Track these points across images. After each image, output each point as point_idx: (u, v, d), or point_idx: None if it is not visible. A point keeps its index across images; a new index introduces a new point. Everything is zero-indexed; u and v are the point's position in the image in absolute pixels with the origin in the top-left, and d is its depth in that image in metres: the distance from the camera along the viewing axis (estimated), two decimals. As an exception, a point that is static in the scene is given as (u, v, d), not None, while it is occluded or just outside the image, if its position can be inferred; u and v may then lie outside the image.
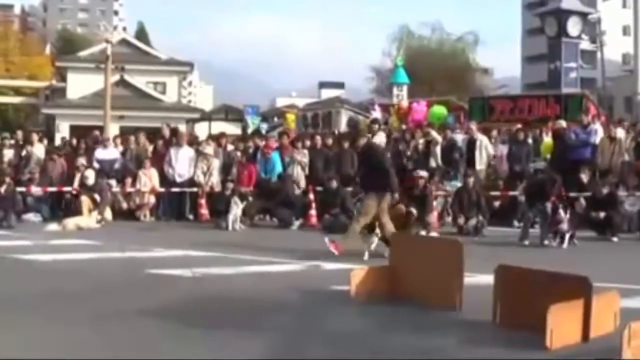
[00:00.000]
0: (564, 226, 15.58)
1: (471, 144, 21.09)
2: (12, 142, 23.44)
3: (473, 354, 7.46)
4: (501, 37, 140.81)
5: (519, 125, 22.75)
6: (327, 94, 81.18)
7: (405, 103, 30.33)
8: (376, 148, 15.50)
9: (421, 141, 21.71)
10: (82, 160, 22.00)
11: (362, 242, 13.94)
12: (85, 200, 19.73)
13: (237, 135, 33.44)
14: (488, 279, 8.97)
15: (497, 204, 20.01)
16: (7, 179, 20.54)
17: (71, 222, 18.98)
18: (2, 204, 19.81)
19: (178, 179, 21.50)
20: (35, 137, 24.11)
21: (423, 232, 16.95)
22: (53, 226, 18.95)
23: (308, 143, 22.21)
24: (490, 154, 20.91)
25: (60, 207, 21.24)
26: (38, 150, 23.08)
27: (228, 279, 11.80)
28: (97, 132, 25.78)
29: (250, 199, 19.54)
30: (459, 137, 22.10)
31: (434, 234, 17.09)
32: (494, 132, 23.27)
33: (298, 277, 11.79)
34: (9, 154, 22.75)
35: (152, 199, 21.41)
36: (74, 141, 24.78)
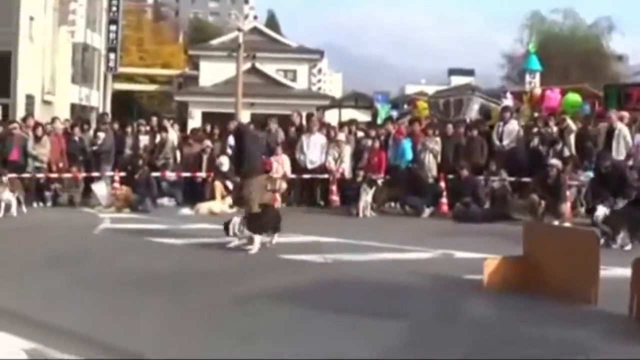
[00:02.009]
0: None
1: (609, 133, 20.43)
2: (147, 128, 23.96)
3: (609, 348, 7.33)
4: (636, 23, 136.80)
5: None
6: (457, 80, 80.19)
7: (538, 90, 29.74)
8: (245, 131, 15.72)
9: (555, 129, 21.28)
10: (207, 142, 22.48)
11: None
12: (218, 185, 20.14)
13: (367, 122, 33.47)
14: (624, 272, 8.80)
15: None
16: (143, 165, 21.14)
17: (204, 207, 19.41)
18: (138, 189, 20.40)
19: (309, 166, 21.63)
20: (168, 123, 24.68)
21: (556, 222, 16.67)
22: (186, 210, 19.42)
23: (438, 131, 22.05)
24: (629, 143, 20.18)
25: (194, 192, 21.61)
26: (172, 136, 23.59)
27: (359, 266, 11.88)
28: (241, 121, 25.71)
29: (380, 185, 19.55)
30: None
31: (567, 224, 16.78)
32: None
33: (429, 265, 11.78)
34: (144, 140, 23.29)
35: (283, 185, 21.63)
36: (208, 127, 25.14)
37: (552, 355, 7.05)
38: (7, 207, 18.35)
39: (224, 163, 20.66)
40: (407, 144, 21.01)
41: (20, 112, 35.28)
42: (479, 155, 20.74)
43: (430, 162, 20.77)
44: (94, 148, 22.33)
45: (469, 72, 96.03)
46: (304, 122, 23.65)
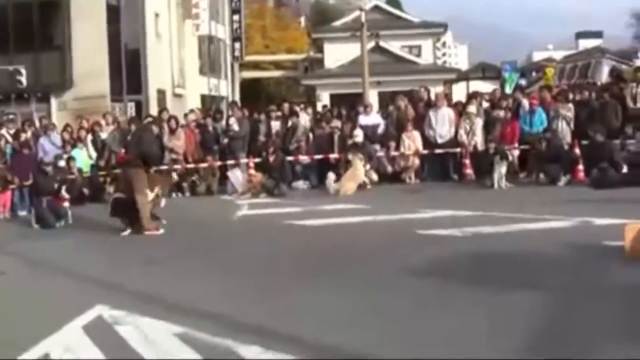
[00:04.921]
0: None
1: None
2: (279, 114, 24.29)
3: None
4: None
5: None
6: (585, 44, 78.53)
7: (671, 48, 28.90)
8: (147, 130, 16.73)
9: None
10: (337, 123, 22.69)
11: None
12: (356, 160, 20.20)
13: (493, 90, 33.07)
14: None
15: None
16: (276, 150, 21.46)
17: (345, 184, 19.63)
18: (273, 174, 20.75)
19: (439, 140, 21.57)
20: (299, 108, 24.98)
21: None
22: (332, 185, 19.74)
23: (571, 97, 21.63)
24: None
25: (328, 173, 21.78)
26: (303, 120, 23.87)
27: (498, 238, 11.82)
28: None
29: (510, 157, 19.30)
30: None
31: None
32: None
33: (569, 234, 11.62)
34: (276, 125, 23.64)
35: (416, 161, 21.66)
36: (336, 109, 25.37)
37: None
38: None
39: (359, 135, 20.97)
40: (541, 112, 20.70)
41: (153, 107, 36.23)
42: (613, 119, 20.27)
43: (564, 129, 20.41)
44: (230, 134, 22.79)
45: (597, 34, 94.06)
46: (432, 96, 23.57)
